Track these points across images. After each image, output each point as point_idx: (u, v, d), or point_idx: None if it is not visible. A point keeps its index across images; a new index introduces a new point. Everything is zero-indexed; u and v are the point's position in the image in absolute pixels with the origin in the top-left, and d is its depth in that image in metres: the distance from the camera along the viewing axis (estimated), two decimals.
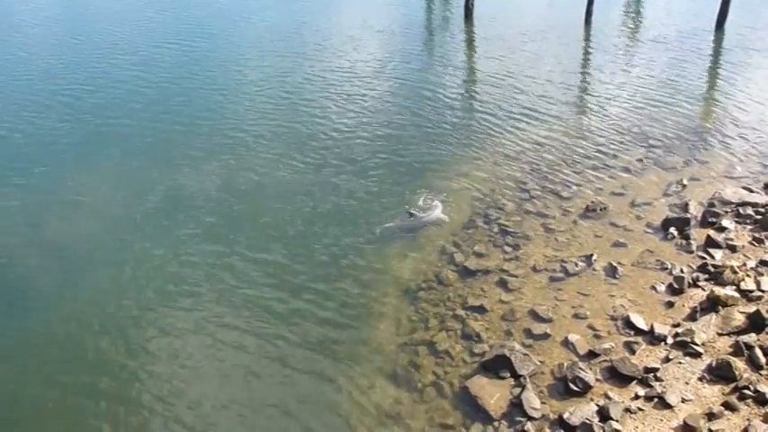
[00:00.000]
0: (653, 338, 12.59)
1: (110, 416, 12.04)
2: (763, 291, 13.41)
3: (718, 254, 14.82)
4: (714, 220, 15.98)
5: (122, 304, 14.55)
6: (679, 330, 12.65)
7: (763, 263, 14.29)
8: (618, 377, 11.80)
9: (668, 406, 11.08)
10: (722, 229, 15.61)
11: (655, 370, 11.78)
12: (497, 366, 12.25)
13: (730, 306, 13.03)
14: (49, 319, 14.25)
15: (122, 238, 16.63)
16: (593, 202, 17.10)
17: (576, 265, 14.90)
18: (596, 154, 19.77)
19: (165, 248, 16.19)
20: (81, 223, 17.23)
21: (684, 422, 10.70)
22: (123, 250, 16.21)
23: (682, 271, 14.34)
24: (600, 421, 10.91)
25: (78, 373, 12.94)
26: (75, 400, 12.41)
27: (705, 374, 11.62)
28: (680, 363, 11.93)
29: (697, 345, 12.15)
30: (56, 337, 13.84)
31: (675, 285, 13.90)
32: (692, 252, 15.06)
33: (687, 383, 11.50)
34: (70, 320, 14.19)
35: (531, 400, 11.54)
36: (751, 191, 17.13)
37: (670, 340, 12.47)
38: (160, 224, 17.15)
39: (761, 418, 10.55)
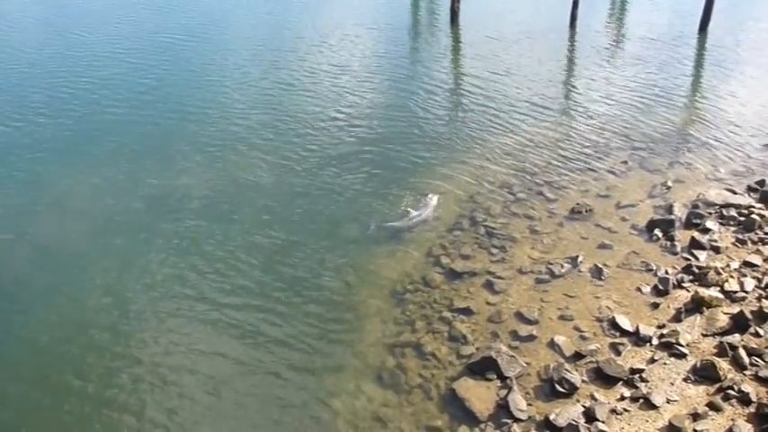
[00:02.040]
0: (638, 340, 12.66)
1: (94, 416, 11.95)
2: (746, 292, 13.53)
3: (703, 255, 14.93)
4: (698, 221, 16.09)
5: (110, 304, 14.45)
6: (664, 331, 12.73)
7: (746, 264, 14.42)
8: (604, 378, 11.86)
9: (654, 407, 11.15)
10: (706, 231, 15.73)
11: (640, 371, 11.84)
12: (484, 368, 12.26)
13: (714, 307, 13.12)
14: (37, 317, 14.14)
15: (110, 238, 16.49)
16: (578, 203, 17.17)
17: (562, 266, 14.96)
18: (581, 156, 19.87)
19: (154, 248, 16.07)
20: (66, 223, 17.06)
21: (670, 423, 10.77)
22: (111, 250, 16.08)
23: (666, 272, 14.43)
24: (586, 422, 10.96)
25: (64, 374, 12.84)
26: (59, 399, 12.29)
27: (690, 375, 11.69)
28: (665, 364, 12.00)
29: (682, 346, 12.24)
30: (44, 335, 13.73)
31: (660, 287, 13.98)
32: (676, 253, 15.16)
33: (672, 384, 11.57)
34: (56, 319, 14.07)
35: (518, 402, 11.56)
36: (734, 192, 17.27)
37: (655, 341, 12.54)
38: (149, 223, 17.00)
39: (745, 419, 10.64)
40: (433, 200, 17.33)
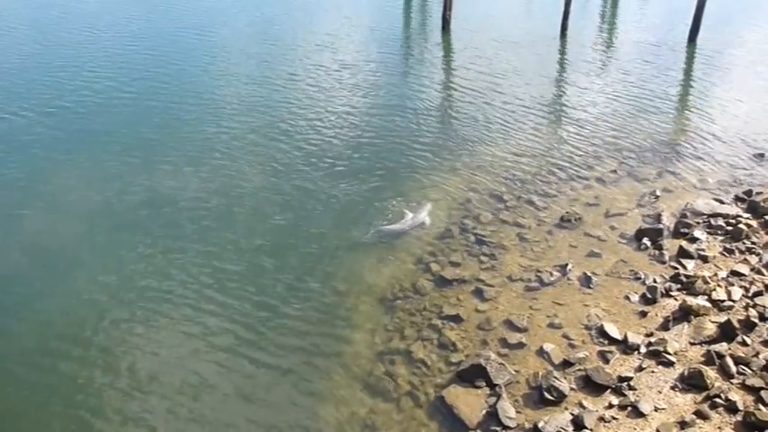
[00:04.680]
0: (626, 348, 12.70)
1: (80, 420, 11.87)
2: (733, 301, 13.62)
3: (691, 264, 15.03)
4: (686, 230, 16.20)
5: (98, 307, 14.33)
6: (652, 340, 12.79)
7: (733, 273, 14.52)
8: (592, 386, 11.89)
9: (641, 414, 11.18)
10: (694, 240, 15.84)
11: (628, 379, 11.89)
12: (473, 376, 12.27)
13: (702, 316, 13.20)
14: (25, 320, 14.05)
15: (97, 240, 16.39)
16: (567, 212, 17.25)
17: (552, 274, 15.01)
18: (571, 165, 19.97)
19: (141, 253, 15.98)
20: (55, 222, 17.01)
21: (657, 430, 10.82)
22: (94, 251, 15.98)
23: (655, 281, 14.51)
24: (574, 430, 10.99)
25: (51, 375, 12.74)
26: (43, 401, 12.20)
27: (677, 383, 11.74)
28: (653, 372, 12.06)
29: (669, 354, 12.30)
30: (32, 337, 13.63)
31: (649, 295, 14.06)
32: (664, 262, 15.25)
33: (660, 392, 11.61)
34: (44, 324, 13.96)
35: (507, 410, 11.57)
36: (722, 202, 17.41)
37: (643, 349, 12.59)
38: (138, 228, 16.89)
39: (732, 427, 10.69)
40: (428, 205, 17.43)
